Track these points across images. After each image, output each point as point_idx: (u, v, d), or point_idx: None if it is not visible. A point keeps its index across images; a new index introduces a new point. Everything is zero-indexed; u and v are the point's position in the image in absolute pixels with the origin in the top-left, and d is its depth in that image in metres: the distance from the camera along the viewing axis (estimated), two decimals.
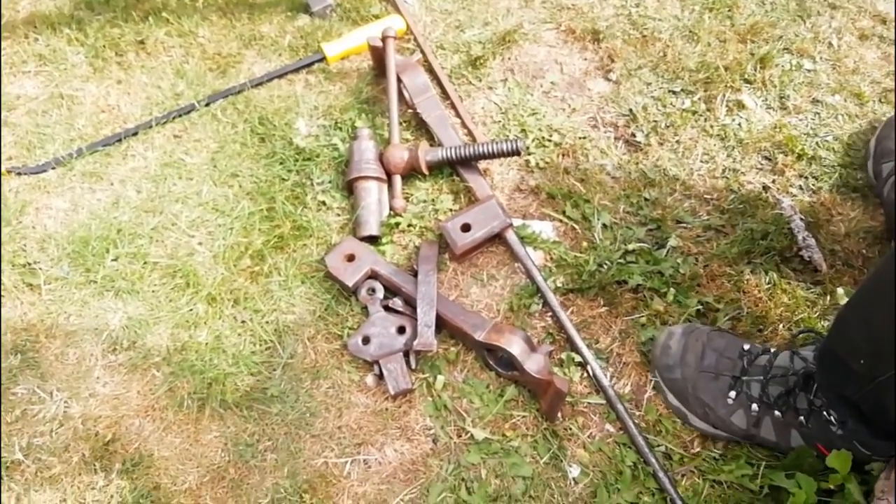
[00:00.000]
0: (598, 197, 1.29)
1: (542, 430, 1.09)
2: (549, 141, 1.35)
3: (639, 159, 1.34)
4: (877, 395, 0.85)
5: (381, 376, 1.13)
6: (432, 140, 1.35)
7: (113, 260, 1.24)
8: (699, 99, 1.40)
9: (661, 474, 1.04)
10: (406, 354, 1.14)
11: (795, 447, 0.99)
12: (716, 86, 1.41)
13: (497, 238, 1.24)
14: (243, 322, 1.19)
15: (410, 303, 1.18)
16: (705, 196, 1.30)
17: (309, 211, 1.29)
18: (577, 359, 1.13)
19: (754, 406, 1.01)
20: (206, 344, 1.17)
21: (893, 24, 1.49)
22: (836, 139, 1.36)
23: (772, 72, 1.43)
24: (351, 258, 1.20)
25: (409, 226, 1.27)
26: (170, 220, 1.28)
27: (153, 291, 1.22)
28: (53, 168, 1.34)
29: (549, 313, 1.19)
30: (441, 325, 1.16)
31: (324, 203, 1.30)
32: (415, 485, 1.06)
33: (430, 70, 1.43)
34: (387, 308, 1.18)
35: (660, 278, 1.20)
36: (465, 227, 1.21)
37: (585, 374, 1.13)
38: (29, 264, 1.24)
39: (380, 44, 1.37)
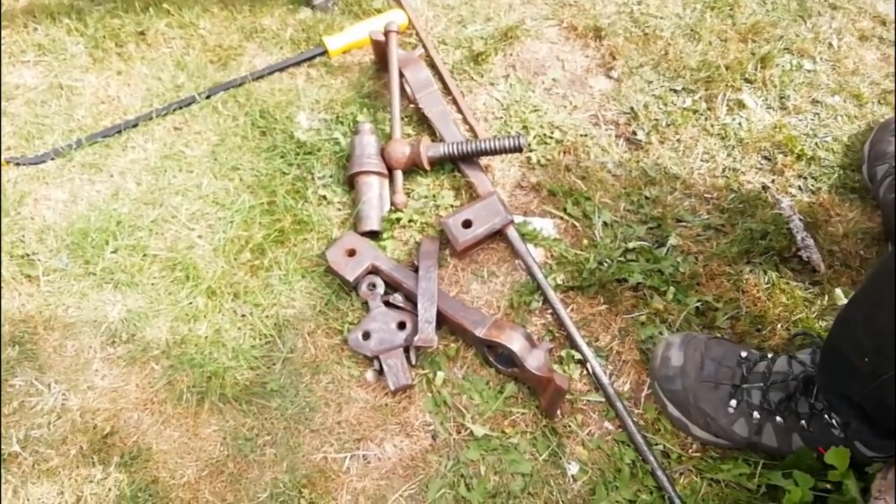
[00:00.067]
0: (598, 195, 1.29)
1: (541, 427, 1.10)
2: (551, 138, 1.36)
3: (639, 157, 1.34)
4: (881, 394, 0.86)
5: (380, 372, 1.13)
6: (434, 135, 1.34)
7: (112, 252, 1.23)
8: (700, 98, 1.40)
9: (659, 472, 1.04)
10: (406, 350, 1.14)
11: (796, 450, 1.00)
12: (716, 85, 1.41)
13: (498, 235, 1.24)
14: (243, 316, 1.19)
15: (411, 298, 1.18)
16: (705, 195, 1.30)
17: (310, 205, 1.29)
18: (577, 356, 1.14)
19: (755, 414, 1.02)
20: (206, 337, 1.16)
21: (893, 25, 1.49)
22: (836, 140, 1.36)
23: (772, 72, 1.43)
24: (352, 253, 1.20)
25: (409, 221, 1.27)
26: (170, 212, 1.28)
27: (153, 284, 1.21)
28: (53, 159, 1.33)
29: (549, 310, 1.19)
30: (441, 321, 1.16)
31: (325, 197, 1.30)
32: (414, 481, 1.06)
33: (432, 65, 1.43)
34: (387, 303, 1.18)
35: (660, 277, 1.20)
36: (467, 224, 1.21)
37: (585, 372, 1.13)
38: (27, 255, 1.23)
39: (382, 38, 1.36)
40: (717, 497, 1.03)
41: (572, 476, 1.06)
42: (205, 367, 1.13)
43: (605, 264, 1.21)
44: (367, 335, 1.15)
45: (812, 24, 1.51)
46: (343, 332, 1.17)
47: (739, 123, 1.38)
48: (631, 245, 1.23)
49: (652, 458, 1.05)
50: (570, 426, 1.10)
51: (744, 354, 1.07)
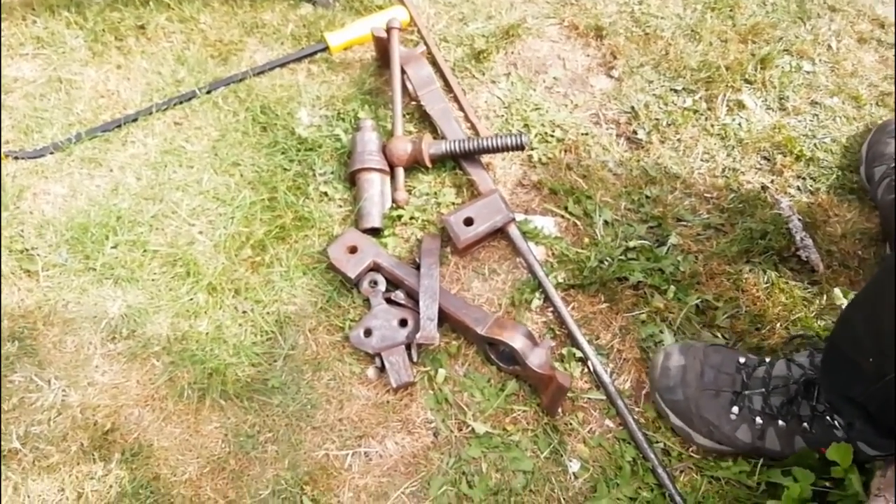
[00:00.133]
0: (599, 193, 1.29)
1: (542, 424, 1.10)
2: (552, 136, 1.36)
3: (640, 157, 1.35)
4: (885, 394, 0.86)
5: (382, 369, 1.13)
6: (435, 133, 1.34)
7: (112, 247, 1.23)
8: (700, 98, 1.41)
9: (660, 470, 1.05)
10: (408, 347, 1.14)
11: (798, 451, 1.01)
12: (717, 85, 1.42)
13: (499, 233, 1.25)
14: (244, 312, 1.18)
15: (412, 295, 1.18)
16: (705, 195, 1.31)
17: (311, 202, 1.28)
18: (578, 354, 1.14)
19: (758, 419, 1.02)
20: (207, 334, 1.16)
21: (892, 28, 1.51)
22: (834, 141, 1.37)
23: (772, 73, 1.44)
24: (353, 250, 1.20)
25: (411, 218, 1.27)
26: (170, 208, 1.27)
27: (153, 280, 1.21)
28: (52, 153, 1.32)
29: (550, 308, 1.20)
30: (443, 318, 1.16)
31: (326, 194, 1.29)
32: (416, 478, 1.07)
33: (434, 62, 1.43)
34: (389, 301, 1.18)
35: (660, 275, 1.21)
36: (468, 221, 1.21)
37: (586, 370, 1.14)
38: (27, 250, 1.22)
39: (384, 35, 1.36)
40: (717, 494, 1.04)
41: (573, 473, 1.07)
42: (206, 363, 1.13)
43: (606, 263, 1.22)
44: (368, 332, 1.15)
45: (811, 26, 1.51)
46: (344, 329, 1.17)
47: (739, 124, 1.38)
48: (631, 244, 1.23)
49: (653, 456, 1.06)
50: (571, 424, 1.10)
51: (742, 360, 1.07)
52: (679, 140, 1.36)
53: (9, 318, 1.17)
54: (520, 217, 1.27)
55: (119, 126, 1.35)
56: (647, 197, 1.30)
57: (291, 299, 1.20)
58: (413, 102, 1.38)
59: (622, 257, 1.22)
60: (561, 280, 1.21)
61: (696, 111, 1.40)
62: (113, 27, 1.48)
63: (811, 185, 1.32)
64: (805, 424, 0.99)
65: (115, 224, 1.24)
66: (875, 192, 1.28)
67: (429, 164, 1.29)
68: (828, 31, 1.51)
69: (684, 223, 1.27)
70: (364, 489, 1.06)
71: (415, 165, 1.31)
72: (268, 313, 1.18)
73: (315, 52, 1.45)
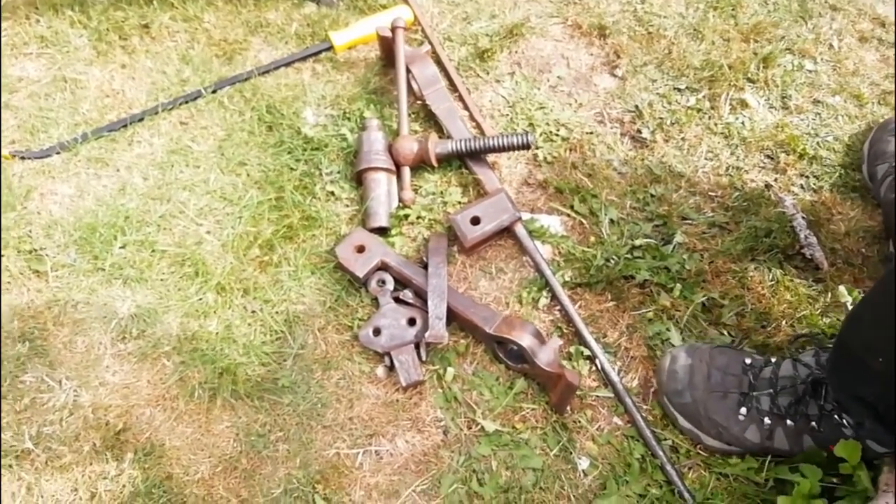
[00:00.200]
0: (605, 192, 1.30)
1: (551, 422, 1.11)
2: (557, 135, 1.37)
3: (644, 155, 1.35)
4: None
5: (391, 368, 1.14)
6: (441, 132, 1.35)
7: (121, 247, 1.23)
8: (703, 97, 1.42)
9: (668, 467, 1.06)
10: (417, 346, 1.14)
11: (807, 449, 1.02)
12: (720, 84, 1.43)
13: (506, 231, 1.25)
14: (253, 312, 1.19)
15: (420, 294, 1.18)
16: (710, 193, 1.32)
17: (318, 201, 1.29)
18: (586, 353, 1.15)
19: (766, 419, 1.03)
20: (217, 333, 1.16)
21: (892, 27, 1.52)
22: (837, 139, 1.38)
23: (774, 71, 1.45)
24: (361, 249, 1.20)
25: (417, 218, 1.27)
26: (177, 207, 1.27)
27: (162, 280, 1.21)
28: (58, 153, 1.32)
29: (558, 307, 1.20)
30: (451, 317, 1.16)
31: (332, 193, 1.30)
32: (426, 476, 1.07)
33: (438, 61, 1.43)
34: (397, 300, 1.19)
35: (666, 274, 1.22)
36: (475, 220, 1.22)
37: (594, 368, 1.15)
38: (35, 250, 1.22)
39: (389, 34, 1.36)
40: (725, 491, 1.05)
41: (583, 471, 1.08)
42: (216, 363, 1.13)
43: (613, 261, 1.23)
44: (377, 331, 1.15)
45: (813, 25, 1.53)
46: (353, 328, 1.18)
47: (742, 122, 1.39)
48: (637, 242, 1.24)
49: (661, 453, 1.07)
50: (579, 421, 1.11)
51: (748, 361, 1.08)
52: (683, 139, 1.37)
53: (19, 318, 1.17)
54: (526, 216, 1.27)
55: (125, 126, 1.35)
56: (652, 195, 1.31)
57: (300, 299, 1.20)
58: (418, 102, 1.38)
59: (628, 256, 1.23)
60: (568, 278, 1.22)
61: (699, 110, 1.41)
62: (117, 26, 1.48)
63: (814, 184, 1.34)
64: (813, 424, 1.01)
65: (123, 224, 1.25)
66: (878, 191, 1.30)
67: (435, 164, 1.29)
68: (829, 31, 1.52)
69: (689, 221, 1.28)
70: (375, 487, 1.07)
71: (421, 165, 1.31)
72: (277, 313, 1.19)
73: (320, 52, 1.45)
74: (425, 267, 1.19)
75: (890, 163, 1.28)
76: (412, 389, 1.13)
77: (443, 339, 1.13)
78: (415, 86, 1.37)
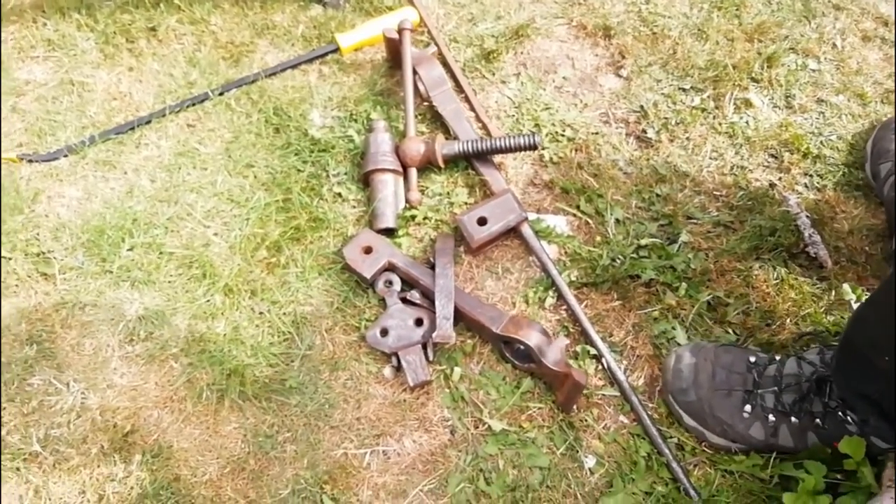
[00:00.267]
0: (610, 192, 1.31)
1: (557, 421, 1.11)
2: (563, 136, 1.37)
3: (650, 155, 1.36)
4: None
5: (398, 368, 1.14)
6: (447, 133, 1.35)
7: (128, 250, 1.23)
8: (708, 96, 1.42)
9: (674, 464, 1.06)
10: (424, 346, 1.15)
11: (811, 446, 1.02)
12: (724, 84, 1.43)
13: (512, 232, 1.26)
14: (261, 313, 1.19)
15: (427, 295, 1.19)
16: (714, 192, 1.32)
17: (325, 202, 1.29)
18: (592, 352, 1.16)
19: (770, 416, 1.04)
20: (224, 335, 1.17)
21: (895, 26, 1.52)
22: (840, 138, 1.39)
23: (778, 71, 1.46)
24: (368, 250, 1.21)
25: (424, 219, 1.28)
26: (185, 210, 1.28)
27: (169, 282, 1.21)
28: (66, 156, 1.33)
29: (564, 307, 1.21)
30: (458, 317, 1.17)
31: (340, 195, 1.30)
32: (434, 476, 1.08)
33: (444, 63, 1.44)
34: (404, 300, 1.19)
35: (672, 273, 1.22)
36: (482, 221, 1.22)
37: (600, 367, 1.15)
38: (43, 253, 1.23)
39: (396, 36, 1.37)
40: (731, 488, 1.06)
41: (589, 469, 1.08)
42: (224, 364, 1.14)
43: (618, 261, 1.23)
44: (384, 332, 1.16)
45: (816, 25, 1.53)
46: (360, 328, 1.18)
47: (747, 122, 1.40)
48: (643, 242, 1.25)
49: (667, 451, 1.07)
50: (586, 420, 1.11)
51: (752, 359, 1.09)
52: (688, 139, 1.38)
53: (26, 321, 1.18)
54: (532, 216, 1.28)
55: (132, 128, 1.36)
56: (657, 195, 1.31)
57: (307, 300, 1.21)
58: (425, 103, 1.39)
59: (634, 255, 1.24)
60: (574, 278, 1.23)
61: (704, 110, 1.41)
62: (124, 29, 1.48)
63: (818, 183, 1.34)
64: (818, 421, 1.01)
65: (130, 226, 1.25)
66: (881, 189, 1.30)
67: (441, 165, 1.30)
68: (832, 30, 1.52)
69: (694, 221, 1.29)
70: (383, 487, 1.07)
71: (427, 166, 1.32)
72: (284, 314, 1.19)
73: (326, 54, 1.46)
74: (432, 267, 1.20)
75: (893, 161, 1.28)
76: (419, 389, 1.14)
77: (450, 339, 1.13)
78: (421, 87, 1.37)
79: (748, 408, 1.05)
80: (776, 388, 1.04)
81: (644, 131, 1.38)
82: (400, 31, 1.36)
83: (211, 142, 1.36)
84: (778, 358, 1.08)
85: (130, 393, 1.13)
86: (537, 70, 1.46)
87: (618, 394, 1.14)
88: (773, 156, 1.37)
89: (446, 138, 1.34)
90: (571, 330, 1.19)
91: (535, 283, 1.23)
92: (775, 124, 1.40)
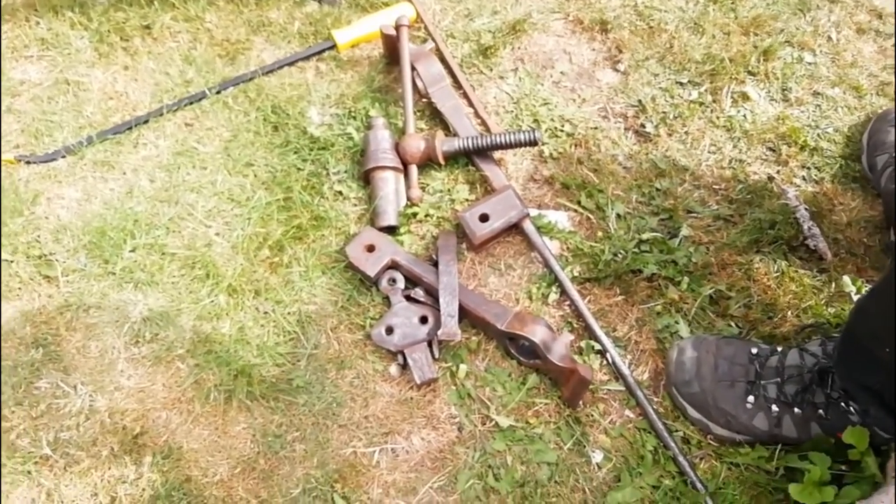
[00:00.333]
0: (611, 187, 1.31)
1: (564, 416, 1.12)
2: (562, 131, 1.37)
3: (649, 150, 1.37)
4: None
5: (404, 366, 1.15)
6: (447, 130, 1.35)
7: (131, 251, 1.23)
8: (705, 90, 1.43)
9: (680, 458, 1.08)
10: (429, 344, 1.15)
11: (814, 436, 1.04)
12: (721, 77, 1.44)
13: (514, 228, 1.26)
14: (266, 313, 1.19)
15: (431, 292, 1.19)
16: (714, 186, 1.33)
17: (326, 201, 1.29)
18: (597, 347, 1.17)
19: (774, 407, 1.05)
20: (230, 335, 1.17)
21: (892, 18, 1.53)
22: (837, 131, 1.40)
23: (774, 64, 1.46)
24: (371, 248, 1.21)
25: (426, 216, 1.28)
26: (186, 210, 1.27)
27: (173, 283, 1.21)
28: (64, 157, 1.32)
29: (567, 302, 1.22)
30: (463, 314, 1.17)
31: (340, 193, 1.30)
32: (443, 472, 1.09)
33: (441, 59, 1.43)
34: (408, 298, 1.20)
35: (674, 267, 1.23)
36: (484, 217, 1.23)
37: (604, 362, 1.16)
38: (45, 256, 1.22)
39: (393, 32, 1.36)
40: (737, 480, 1.07)
41: (597, 464, 1.09)
42: (231, 364, 1.14)
43: (620, 255, 1.24)
44: (390, 330, 1.16)
45: (811, 18, 1.54)
46: (365, 327, 1.18)
47: (744, 115, 1.41)
48: (644, 236, 1.26)
49: (673, 445, 1.09)
50: (592, 415, 1.13)
51: (754, 351, 1.10)
52: (686, 132, 1.38)
53: (31, 324, 1.17)
54: (534, 212, 1.28)
55: (130, 128, 1.35)
56: (657, 189, 1.32)
57: (312, 299, 1.21)
58: (423, 100, 1.38)
59: (636, 250, 1.25)
60: (576, 274, 1.23)
61: (701, 103, 1.42)
62: (118, 27, 1.47)
63: (816, 175, 1.35)
64: (820, 411, 1.03)
65: (132, 227, 1.25)
66: (878, 181, 1.31)
67: (442, 162, 1.30)
68: (827, 23, 1.53)
69: (695, 215, 1.30)
70: (393, 485, 1.08)
71: (428, 163, 1.32)
72: (289, 313, 1.19)
73: (323, 51, 1.45)
74: (435, 265, 1.20)
75: (889, 153, 1.30)
76: (426, 387, 1.14)
77: (455, 336, 1.14)
78: (419, 84, 1.37)
79: (751, 399, 1.06)
80: (778, 380, 1.06)
81: (643, 126, 1.39)
82: (397, 27, 1.35)
83: (209, 141, 1.35)
84: (780, 349, 1.10)
85: (138, 395, 1.13)
86: (535, 65, 1.46)
87: (623, 388, 1.15)
88: (770, 149, 1.38)
89: (446, 135, 1.34)
90: (575, 325, 1.20)
91: (537, 279, 1.23)
92: (772, 117, 1.41)
